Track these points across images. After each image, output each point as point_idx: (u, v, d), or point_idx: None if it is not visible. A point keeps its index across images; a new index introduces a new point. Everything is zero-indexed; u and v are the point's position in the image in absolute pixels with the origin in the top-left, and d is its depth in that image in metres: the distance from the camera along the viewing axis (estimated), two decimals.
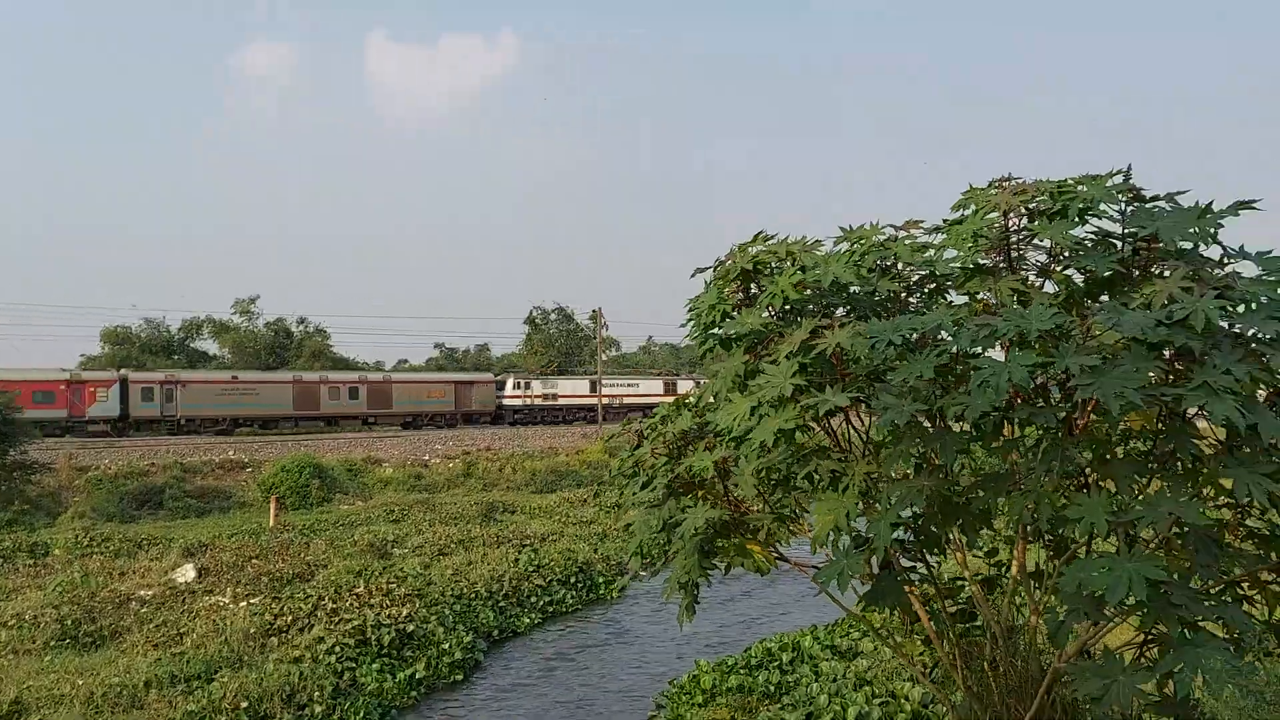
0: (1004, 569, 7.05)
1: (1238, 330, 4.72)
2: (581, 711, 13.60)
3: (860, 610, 5.62)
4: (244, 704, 12.32)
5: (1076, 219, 5.33)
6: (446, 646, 15.60)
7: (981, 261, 5.82)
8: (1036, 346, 4.91)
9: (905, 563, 6.14)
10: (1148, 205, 5.22)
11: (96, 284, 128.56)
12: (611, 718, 13.33)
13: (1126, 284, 5.30)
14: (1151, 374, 4.54)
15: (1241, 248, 5.08)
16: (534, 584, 20.24)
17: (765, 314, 5.98)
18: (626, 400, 66.39)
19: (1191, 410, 4.55)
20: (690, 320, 6.29)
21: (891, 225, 6.14)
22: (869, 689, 11.33)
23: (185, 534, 27.13)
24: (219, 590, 18.80)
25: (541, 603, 19.65)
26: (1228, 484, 4.61)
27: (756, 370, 5.67)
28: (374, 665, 14.36)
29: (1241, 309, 4.71)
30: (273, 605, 16.79)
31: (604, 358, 71.63)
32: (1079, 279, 5.66)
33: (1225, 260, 5.18)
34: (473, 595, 18.67)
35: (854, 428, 6.33)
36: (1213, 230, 5.05)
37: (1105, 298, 5.40)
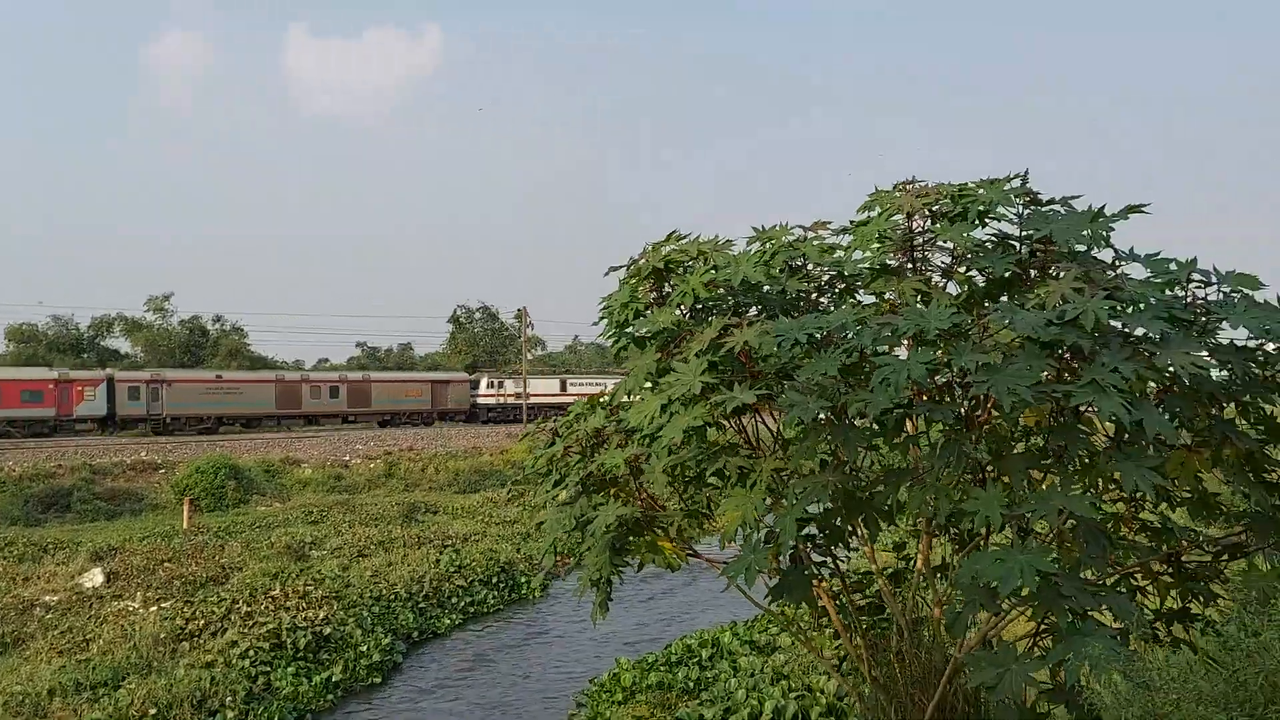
0: (911, 563, 7.21)
1: (1127, 330, 4.91)
2: (500, 712, 13.55)
3: (769, 605, 5.70)
4: (152, 711, 12.03)
5: (976, 221, 5.48)
6: (364, 649, 15.42)
7: (889, 262, 5.96)
8: (943, 346, 5.04)
9: (817, 558, 6.24)
10: (1043, 208, 5.39)
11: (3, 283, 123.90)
12: (531, 717, 13.30)
13: (1024, 285, 5.47)
14: (1045, 372, 4.69)
15: (1131, 250, 5.27)
16: (455, 585, 20.10)
17: (677, 313, 6.03)
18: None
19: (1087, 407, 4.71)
20: (603, 318, 6.32)
21: (800, 226, 6.24)
22: (786, 683, 11.49)
23: (94, 537, 26.30)
24: (129, 595, 18.31)
25: (463, 603, 19.52)
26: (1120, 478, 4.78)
27: (668, 368, 5.71)
28: (289, 669, 14.12)
29: (1131, 309, 4.89)
30: (185, 609, 16.41)
31: (529, 357, 71.29)
32: (980, 280, 5.82)
33: (1117, 262, 5.38)
34: (392, 597, 18.46)
35: (766, 425, 6.41)
36: (1105, 233, 5.24)
37: (1005, 298, 5.56)
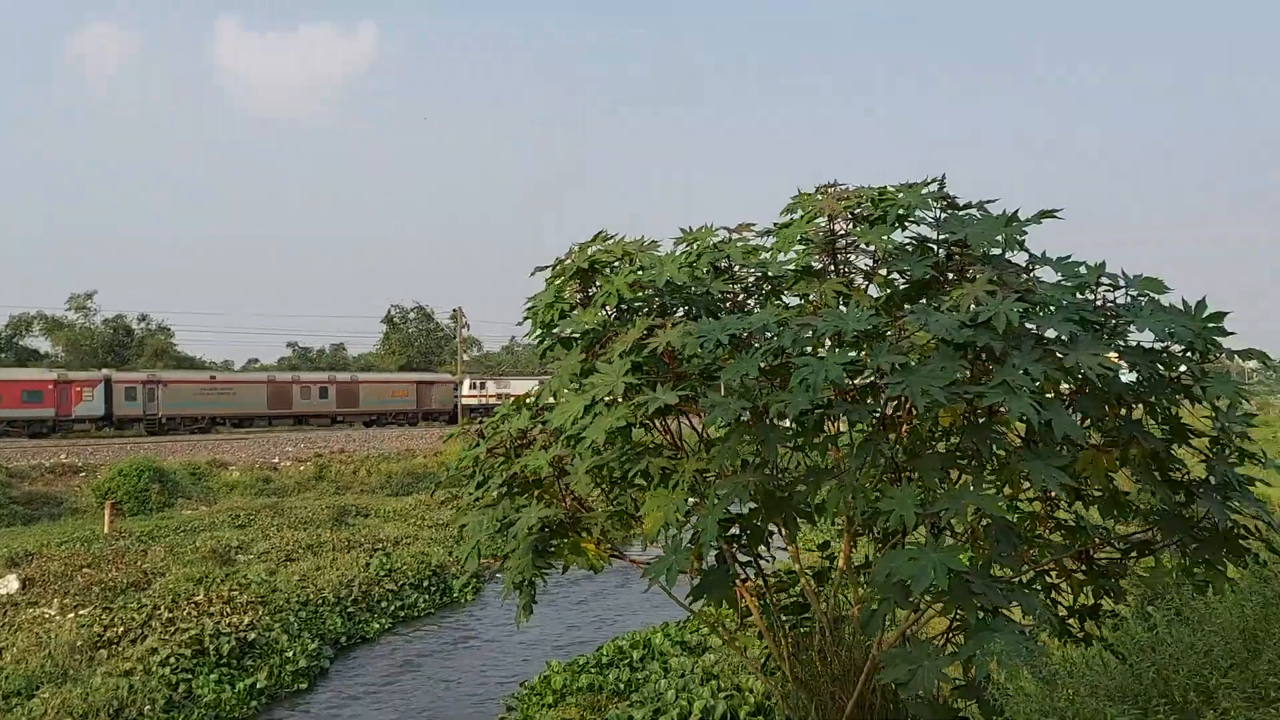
0: (835, 562, 7.29)
1: (1039, 332, 5.02)
2: (428, 716, 13.40)
3: (690, 604, 5.72)
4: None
5: (896, 224, 5.56)
6: (290, 654, 15.13)
7: (815, 265, 6.02)
8: (866, 346, 5.10)
9: (743, 558, 6.28)
10: (960, 212, 5.49)
11: None
12: None
13: (942, 287, 5.56)
14: (960, 373, 4.78)
15: (1044, 253, 5.39)
16: (385, 589, 19.81)
17: (603, 313, 6.02)
18: None
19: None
20: (528, 318, 6.29)
21: (725, 227, 6.27)
22: (716, 683, 11.53)
23: (9, 543, 25.42)
24: (45, 601, 17.72)
25: (393, 607, 19.25)
26: None
27: (593, 369, 5.70)
28: (212, 676, 13.80)
29: (1043, 312, 5.00)
30: (104, 616, 15.94)
31: (465, 358, 70.78)
32: (901, 282, 5.91)
33: (1031, 265, 5.50)
34: (320, 601, 18.13)
35: (692, 426, 6.43)
36: (1019, 237, 5.35)
37: (923, 300, 5.65)
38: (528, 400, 6.83)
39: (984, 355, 4.97)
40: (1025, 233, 5.32)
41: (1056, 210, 5.43)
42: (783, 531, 5.68)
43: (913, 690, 4.33)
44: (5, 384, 46.98)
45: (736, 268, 6.30)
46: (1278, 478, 5.79)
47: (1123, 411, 5.33)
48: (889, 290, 5.96)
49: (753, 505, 5.46)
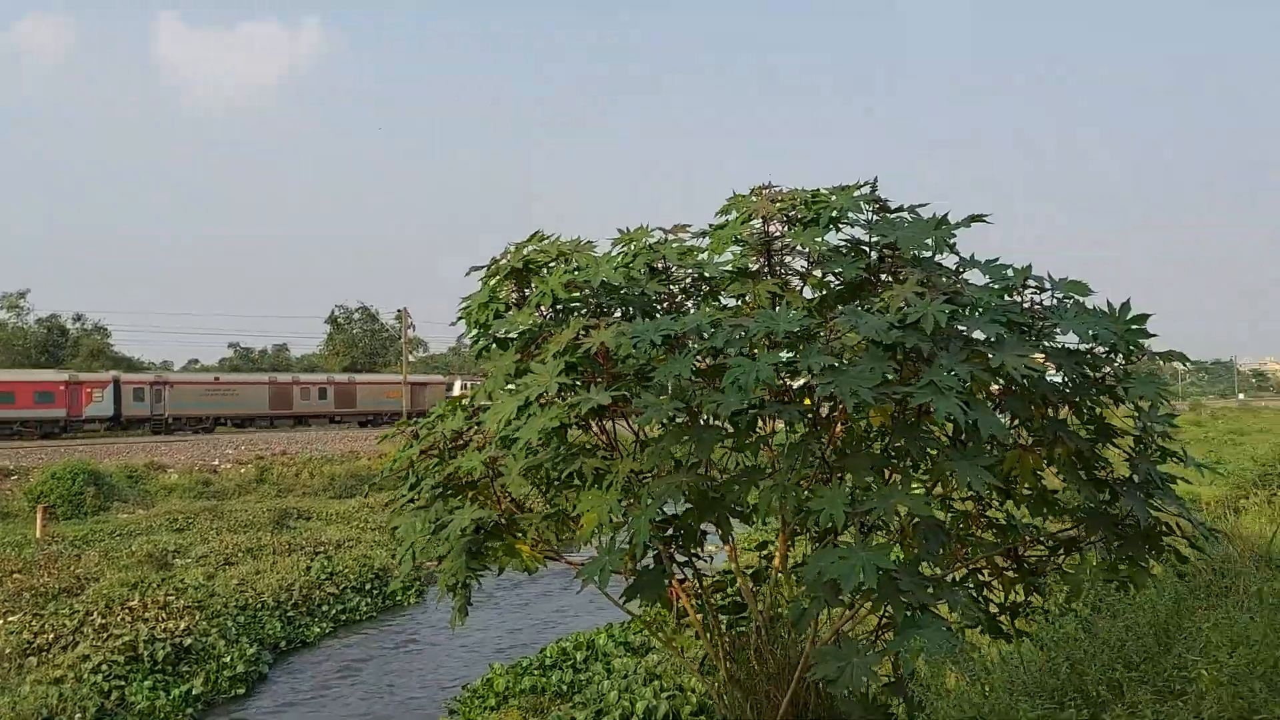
0: (772, 562, 7.33)
1: (966, 333, 5.09)
2: None
3: (623, 604, 5.72)
4: None
5: (829, 226, 5.61)
6: (228, 659, 14.88)
7: (751, 266, 6.05)
8: (802, 347, 5.14)
9: (680, 558, 6.29)
10: (891, 215, 5.55)
11: None
12: None
13: (874, 289, 5.62)
14: (890, 374, 4.83)
15: (973, 256, 5.48)
16: (326, 592, 19.57)
17: (537, 314, 6.00)
18: None
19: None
20: (462, 318, 6.25)
21: (660, 228, 6.28)
22: (658, 683, 11.54)
23: None
24: None
25: (334, 611, 19.02)
26: None
27: (528, 369, 5.68)
28: (146, 682, 13.53)
29: (970, 313, 5.08)
30: (34, 623, 15.56)
31: (411, 358, 70.18)
32: (836, 284, 5.97)
33: (960, 268, 5.58)
34: (259, 606, 17.86)
35: (629, 427, 6.43)
36: (949, 240, 5.42)
37: (855, 302, 5.71)
38: (463, 401, 6.78)
39: (913, 356, 5.03)
40: (955, 236, 5.40)
41: (985, 215, 5.52)
42: (717, 531, 5.70)
43: (841, 687, 4.37)
44: (19, 385, 48.57)
45: (673, 268, 6.31)
46: (1198, 476, 5.94)
47: (1049, 411, 5.43)
48: (823, 292, 6.01)
49: (687, 506, 5.47)
